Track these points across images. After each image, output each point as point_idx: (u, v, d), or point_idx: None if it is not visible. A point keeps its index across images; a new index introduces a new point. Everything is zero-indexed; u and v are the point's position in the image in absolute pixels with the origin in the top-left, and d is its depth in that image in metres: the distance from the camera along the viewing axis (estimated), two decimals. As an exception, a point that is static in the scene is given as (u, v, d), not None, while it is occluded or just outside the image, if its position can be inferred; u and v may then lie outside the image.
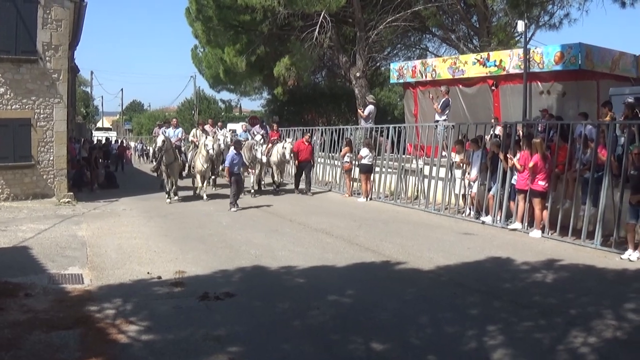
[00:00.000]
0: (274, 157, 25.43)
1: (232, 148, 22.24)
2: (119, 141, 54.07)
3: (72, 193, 22.95)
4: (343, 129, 27.36)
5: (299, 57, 33.67)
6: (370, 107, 26.45)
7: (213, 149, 23.01)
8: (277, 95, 40.05)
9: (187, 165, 24.18)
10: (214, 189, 26.21)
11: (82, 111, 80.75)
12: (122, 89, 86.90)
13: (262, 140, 25.68)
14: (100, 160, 32.97)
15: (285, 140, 26.11)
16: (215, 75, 40.41)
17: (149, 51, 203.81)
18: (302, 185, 25.69)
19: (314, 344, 8.10)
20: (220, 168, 25.27)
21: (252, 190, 24.72)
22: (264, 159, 24.87)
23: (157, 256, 13.11)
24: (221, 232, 15.98)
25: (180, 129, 26.93)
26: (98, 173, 29.56)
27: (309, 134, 27.16)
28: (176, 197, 22.81)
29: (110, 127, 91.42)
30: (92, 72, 74.49)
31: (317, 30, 31.77)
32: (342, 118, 41.50)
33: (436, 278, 11.54)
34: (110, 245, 14.23)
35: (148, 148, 57.66)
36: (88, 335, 8.21)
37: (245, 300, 9.84)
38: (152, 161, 30.42)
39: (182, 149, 25.65)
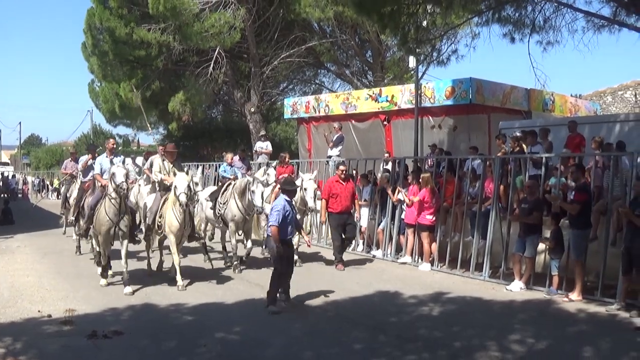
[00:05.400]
0: None
1: (279, 192, 13.31)
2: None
3: (-33, 230, 21.99)
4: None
5: (194, 92, 33.55)
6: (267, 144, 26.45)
7: (189, 197, 13.59)
8: (172, 131, 39.84)
9: (149, 219, 14.53)
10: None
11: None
12: (20, 123, 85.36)
13: (266, 178, 16.65)
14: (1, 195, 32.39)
15: (302, 177, 16.31)
16: (111, 110, 39.70)
17: (46, 85, 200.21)
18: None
19: (197, 382, 7.92)
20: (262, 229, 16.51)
21: (235, 261, 15.62)
22: (268, 208, 14.49)
23: (49, 294, 12.83)
24: (114, 269, 15.49)
25: (122, 159, 16.22)
26: (4, 207, 29.07)
27: (344, 165, 17.31)
28: (129, 289, 13.01)
29: (8, 161, 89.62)
30: (-10, 106, 72.84)
31: (211, 65, 31.69)
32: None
33: (323, 313, 11.48)
34: (2, 283, 13.88)
35: (47, 184, 56.57)
36: (-24, 375, 8.02)
37: (132, 339, 9.68)
38: (63, 211, 20.90)
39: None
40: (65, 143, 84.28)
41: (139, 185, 17.99)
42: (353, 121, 25.75)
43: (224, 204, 15.85)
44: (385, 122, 24.63)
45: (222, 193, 16.21)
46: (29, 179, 65.11)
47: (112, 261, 14.34)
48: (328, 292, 12.91)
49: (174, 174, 13.89)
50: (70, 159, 22.52)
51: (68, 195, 20.14)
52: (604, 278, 12.39)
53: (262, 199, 14.75)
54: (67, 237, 20.94)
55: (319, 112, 27.22)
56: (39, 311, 11.31)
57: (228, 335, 9.98)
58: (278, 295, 11.55)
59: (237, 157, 20.22)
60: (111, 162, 14.70)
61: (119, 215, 13.13)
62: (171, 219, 13.60)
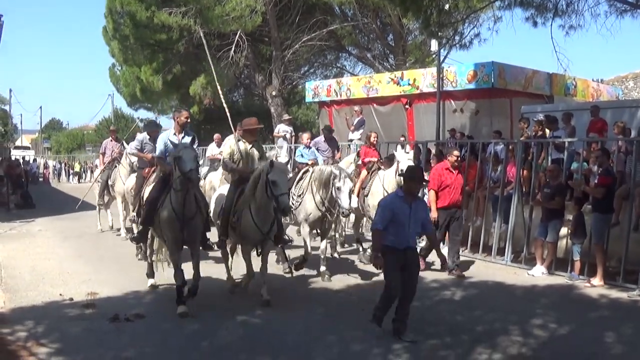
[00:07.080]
0: (374, 201, 12.88)
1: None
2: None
3: (-12, 214, 22.07)
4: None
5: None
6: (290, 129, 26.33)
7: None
8: (194, 114, 39.82)
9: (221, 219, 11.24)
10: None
11: (0, 129, 79.29)
12: (40, 107, 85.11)
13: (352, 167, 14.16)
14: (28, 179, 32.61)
15: (397, 157, 13.68)
16: (132, 94, 39.94)
17: (67, 69, 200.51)
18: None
19: (219, 364, 7.98)
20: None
21: (323, 269, 12.58)
22: (354, 204, 12.47)
23: (70, 277, 12.79)
24: (135, 252, 15.54)
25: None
26: (23, 191, 29.27)
27: (458, 151, 14.14)
28: (183, 307, 10.00)
29: (29, 145, 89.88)
30: (10, 90, 72.53)
31: (233, 49, 31.71)
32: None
33: (346, 297, 11.48)
34: (24, 267, 13.87)
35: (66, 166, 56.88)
36: (-1, 358, 8.08)
37: (155, 322, 9.71)
38: (102, 202, 19.17)
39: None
40: (86, 127, 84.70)
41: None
42: (375, 105, 25.79)
43: (299, 196, 12.74)
44: (407, 106, 24.61)
45: (297, 183, 13.13)
46: (50, 163, 65.33)
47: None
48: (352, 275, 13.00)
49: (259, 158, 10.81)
50: (110, 138, 19.88)
51: (110, 183, 18.26)
52: (626, 263, 12.32)
53: (351, 198, 11.81)
54: (103, 231, 19.45)
55: (341, 95, 27.26)
56: (60, 294, 11.31)
57: (250, 318, 9.97)
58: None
59: (321, 138, 17.13)
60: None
61: (183, 212, 9.98)
62: (247, 222, 10.50)
